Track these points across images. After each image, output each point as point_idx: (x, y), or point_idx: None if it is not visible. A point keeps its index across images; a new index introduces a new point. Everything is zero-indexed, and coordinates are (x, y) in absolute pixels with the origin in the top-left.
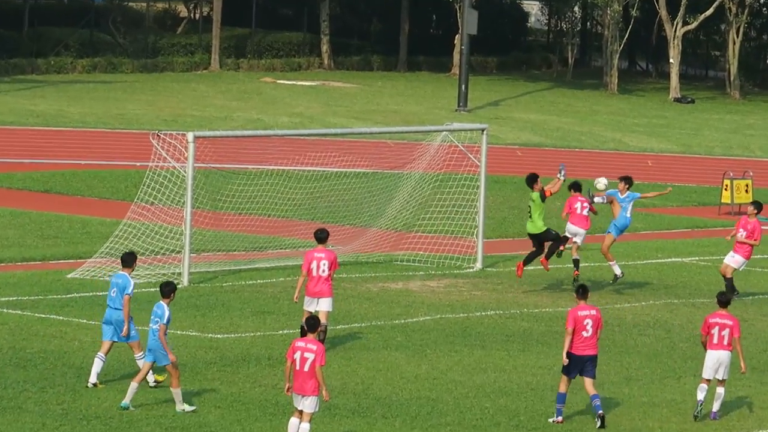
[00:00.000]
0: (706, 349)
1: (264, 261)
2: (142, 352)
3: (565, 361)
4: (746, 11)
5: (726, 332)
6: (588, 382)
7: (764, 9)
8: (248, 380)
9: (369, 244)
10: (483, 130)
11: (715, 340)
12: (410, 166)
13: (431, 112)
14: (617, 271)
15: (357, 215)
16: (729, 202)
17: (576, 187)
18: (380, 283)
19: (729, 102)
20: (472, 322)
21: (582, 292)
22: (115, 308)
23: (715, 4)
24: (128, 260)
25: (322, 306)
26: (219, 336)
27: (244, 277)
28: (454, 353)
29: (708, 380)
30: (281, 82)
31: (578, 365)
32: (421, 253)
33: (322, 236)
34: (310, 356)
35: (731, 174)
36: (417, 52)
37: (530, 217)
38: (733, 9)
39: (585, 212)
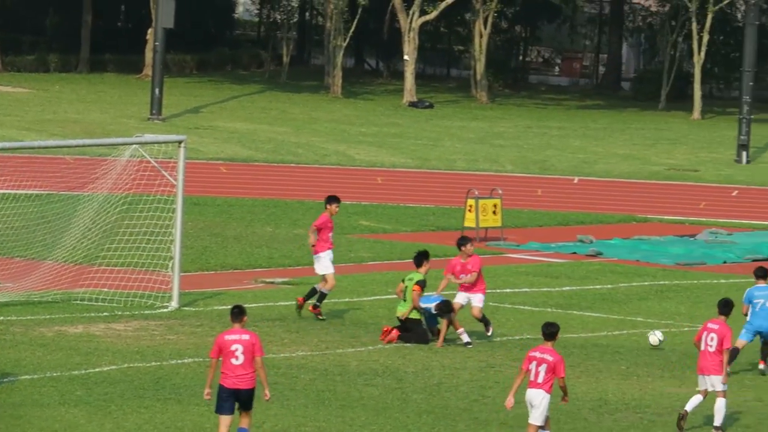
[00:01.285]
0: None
1: None
2: None
3: (208, 394)
4: None
5: (543, 368)
6: (244, 416)
7: None
8: None
9: (43, 281)
10: (180, 143)
11: (531, 377)
12: (92, 186)
13: (118, 121)
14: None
15: (28, 246)
16: (474, 225)
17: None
18: (56, 327)
19: (475, 106)
20: (165, 372)
21: (237, 313)
22: None
23: None
24: None
25: None
26: None
27: None
28: (143, 409)
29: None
30: None
31: (232, 398)
32: (106, 290)
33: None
34: None
35: (476, 192)
36: (102, 49)
37: (405, 299)
38: None
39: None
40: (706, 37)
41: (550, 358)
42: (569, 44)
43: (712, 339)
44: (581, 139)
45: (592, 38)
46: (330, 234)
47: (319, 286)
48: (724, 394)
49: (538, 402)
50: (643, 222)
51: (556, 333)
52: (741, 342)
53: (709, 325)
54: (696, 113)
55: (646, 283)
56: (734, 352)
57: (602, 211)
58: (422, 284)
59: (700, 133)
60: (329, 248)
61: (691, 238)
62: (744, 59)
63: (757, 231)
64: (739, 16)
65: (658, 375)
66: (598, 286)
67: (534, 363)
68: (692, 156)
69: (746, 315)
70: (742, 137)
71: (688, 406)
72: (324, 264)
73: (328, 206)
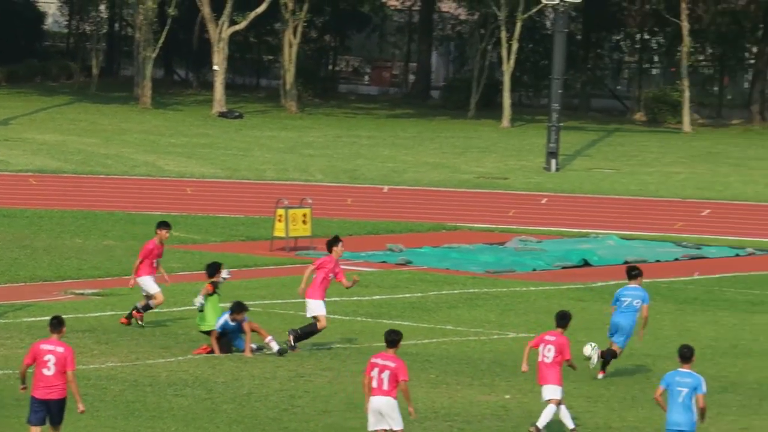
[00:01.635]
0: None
1: None
2: None
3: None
4: (305, 8)
5: (386, 374)
6: (53, 431)
7: (326, 8)
8: None
9: None
10: None
11: (375, 384)
12: None
13: None
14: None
15: None
16: (284, 235)
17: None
18: None
19: (284, 116)
20: None
21: (56, 324)
22: None
23: (268, 0)
24: None
25: None
26: None
27: None
28: None
29: None
30: None
31: (43, 409)
32: None
33: None
34: None
35: (286, 202)
36: None
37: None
38: (290, 5)
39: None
40: (515, 45)
41: (392, 364)
42: (379, 53)
43: (549, 350)
44: (391, 148)
45: (402, 47)
46: (156, 260)
47: (143, 303)
48: (557, 402)
49: (390, 410)
50: (453, 230)
51: (399, 341)
52: (615, 346)
53: (546, 337)
54: (505, 121)
55: (455, 292)
56: (611, 355)
57: (412, 219)
58: (214, 285)
59: (509, 141)
60: (151, 273)
61: (501, 246)
62: (553, 67)
63: (566, 238)
64: (548, 23)
65: (467, 383)
66: (407, 295)
67: (376, 370)
68: (501, 164)
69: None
70: (551, 145)
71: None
72: (148, 284)
73: (159, 231)
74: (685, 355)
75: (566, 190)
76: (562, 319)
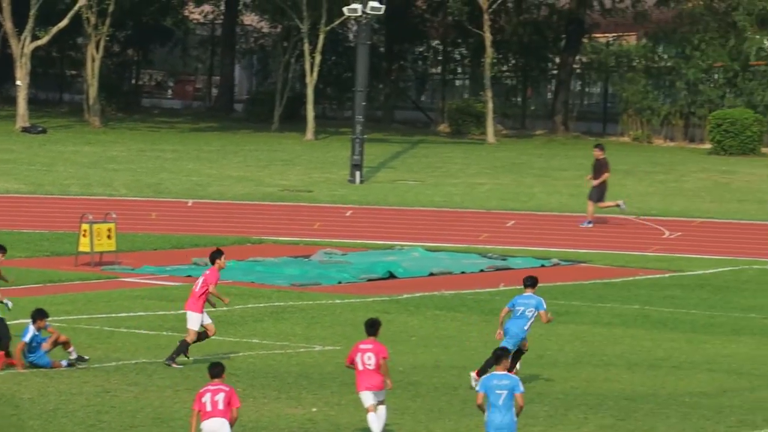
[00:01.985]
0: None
1: None
2: None
3: None
4: (107, 22)
5: (221, 396)
6: None
7: (129, 22)
8: None
9: None
10: None
11: (209, 408)
12: None
13: None
14: None
15: None
16: (89, 250)
17: None
18: None
19: (88, 131)
20: None
21: None
22: None
23: (70, 14)
24: None
25: None
26: None
27: None
28: None
29: None
30: None
31: None
32: None
33: None
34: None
35: (91, 217)
36: None
37: None
38: (93, 20)
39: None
40: (318, 58)
41: (226, 388)
42: (182, 67)
43: (369, 358)
44: (195, 161)
45: (205, 61)
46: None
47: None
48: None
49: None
50: (258, 243)
51: (223, 372)
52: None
53: (361, 346)
54: (309, 134)
55: (261, 305)
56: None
57: (217, 233)
58: None
59: (313, 153)
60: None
61: (306, 259)
62: (356, 79)
63: (372, 251)
64: (350, 36)
65: (274, 396)
66: (212, 309)
67: (209, 395)
68: (306, 176)
69: (502, 320)
70: (355, 157)
71: (374, 429)
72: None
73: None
74: (499, 357)
75: (371, 203)
76: (372, 327)
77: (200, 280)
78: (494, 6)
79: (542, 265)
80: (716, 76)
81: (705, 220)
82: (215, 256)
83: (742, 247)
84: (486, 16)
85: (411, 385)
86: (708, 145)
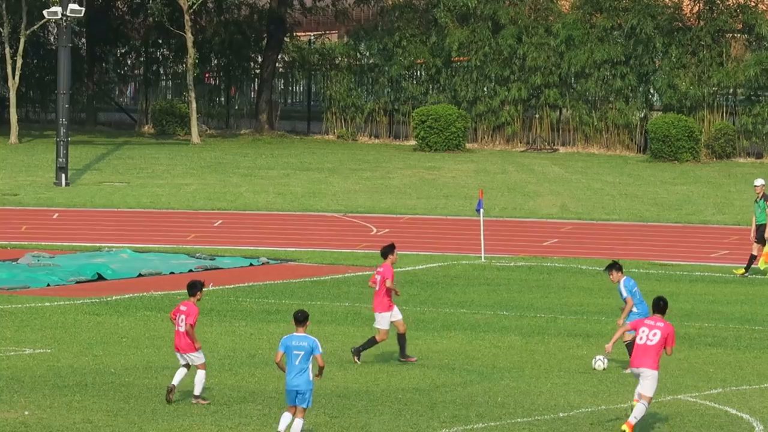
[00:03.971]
0: None
1: None
2: None
3: None
4: None
5: None
6: None
7: None
8: None
9: None
10: None
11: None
12: None
13: None
14: None
15: None
16: None
17: None
18: None
19: None
20: None
21: None
22: None
23: None
24: None
25: None
26: None
27: None
28: None
29: None
30: None
31: None
32: None
33: None
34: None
35: None
36: None
37: None
38: None
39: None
40: (20, 61)
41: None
42: None
43: (182, 320)
44: None
45: None
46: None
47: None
48: (203, 366)
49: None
50: None
51: None
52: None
53: (181, 307)
54: (13, 137)
55: None
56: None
57: None
58: None
59: (18, 156)
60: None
61: (14, 263)
62: (59, 82)
63: (80, 253)
64: (52, 39)
65: None
66: None
67: None
68: (11, 180)
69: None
70: (60, 160)
71: (175, 380)
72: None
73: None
74: (299, 318)
75: (78, 205)
76: (193, 288)
77: (377, 279)
78: (195, 7)
79: (251, 264)
80: (419, 73)
81: (412, 216)
82: (387, 251)
83: (450, 243)
84: (187, 17)
85: (123, 386)
86: (413, 142)
